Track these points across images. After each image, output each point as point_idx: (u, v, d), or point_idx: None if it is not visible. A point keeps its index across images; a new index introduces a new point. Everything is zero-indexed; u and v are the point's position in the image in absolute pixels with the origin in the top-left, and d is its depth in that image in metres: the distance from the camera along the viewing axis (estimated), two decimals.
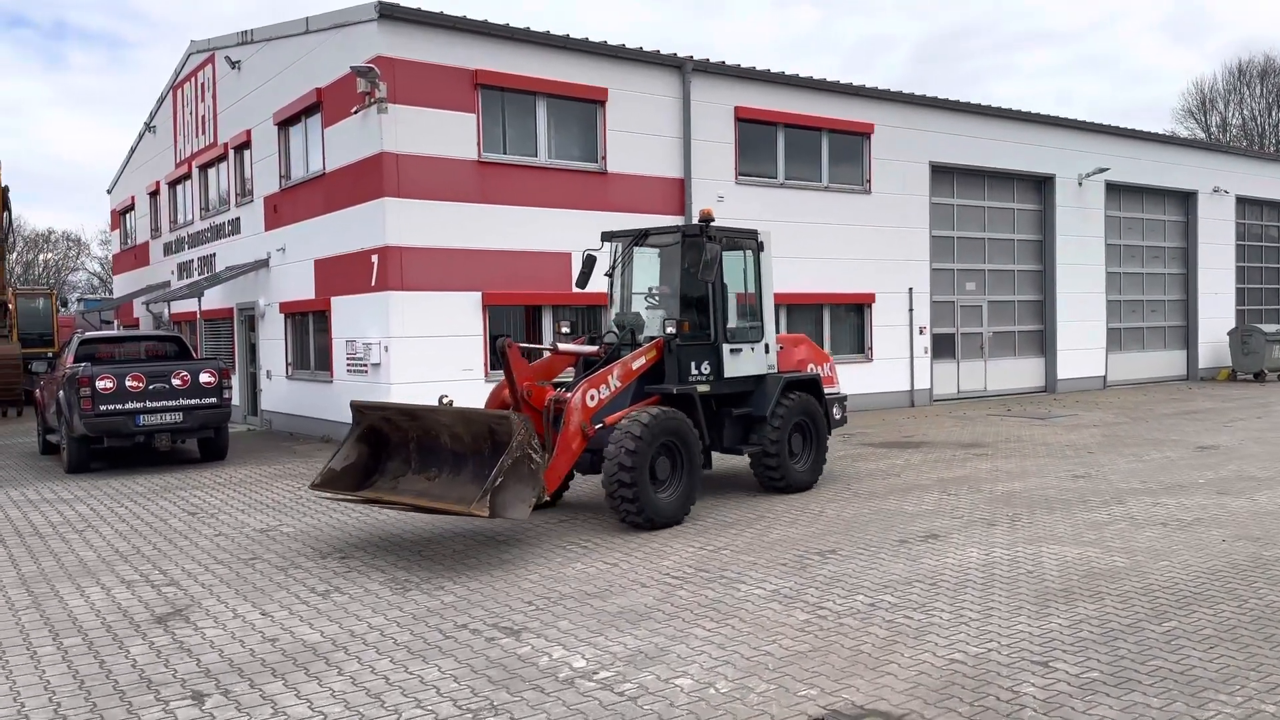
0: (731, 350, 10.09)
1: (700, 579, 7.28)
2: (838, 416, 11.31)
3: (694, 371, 9.76)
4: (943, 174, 21.78)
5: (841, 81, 19.67)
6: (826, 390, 11.14)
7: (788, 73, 18.95)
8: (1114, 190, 25.23)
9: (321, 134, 16.69)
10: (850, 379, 20.17)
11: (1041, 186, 23.80)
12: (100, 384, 12.87)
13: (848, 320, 20.51)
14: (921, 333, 21.38)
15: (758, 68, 18.50)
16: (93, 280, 63.08)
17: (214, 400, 13.61)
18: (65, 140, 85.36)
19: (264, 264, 19.18)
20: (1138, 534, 8.55)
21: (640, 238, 10.40)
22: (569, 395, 8.90)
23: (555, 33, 16.04)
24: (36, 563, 8.15)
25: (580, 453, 8.90)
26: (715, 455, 10.74)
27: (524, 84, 15.84)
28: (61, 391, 13.47)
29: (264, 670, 5.53)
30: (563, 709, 4.90)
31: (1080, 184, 24.02)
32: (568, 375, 10.17)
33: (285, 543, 8.81)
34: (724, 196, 18.14)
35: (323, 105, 16.55)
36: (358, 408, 8.87)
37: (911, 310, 21.11)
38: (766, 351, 10.54)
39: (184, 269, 24.26)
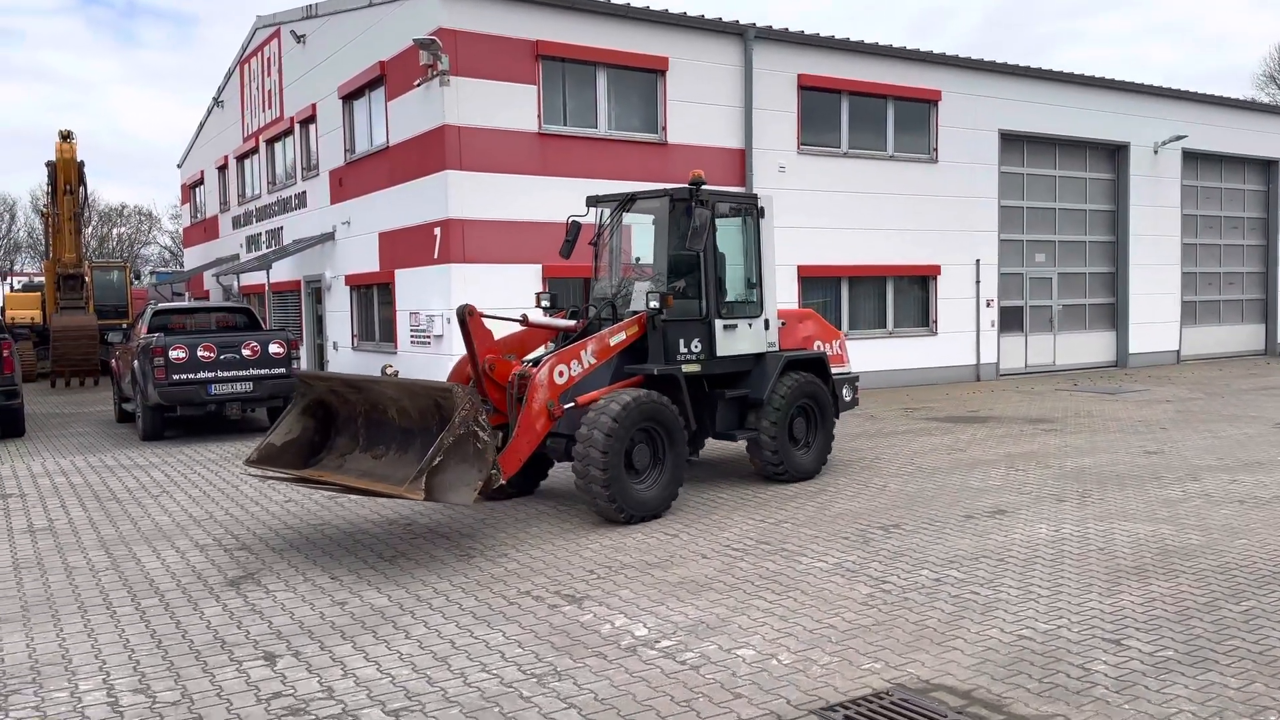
0: (725, 326, 9.29)
1: (761, 551, 7.25)
2: (847, 399, 10.48)
3: (682, 349, 8.99)
4: (1012, 142, 21.24)
5: (908, 47, 19.23)
6: (835, 370, 10.38)
7: (852, 39, 18.58)
8: (1191, 159, 24.38)
9: (385, 107, 16.83)
10: (914, 352, 19.94)
11: (1115, 155, 23.08)
12: (173, 354, 13.20)
13: (912, 293, 20.17)
14: (989, 305, 20.94)
15: (821, 34, 18.17)
16: (164, 253, 64.73)
17: (283, 370, 13.87)
18: (137, 117, 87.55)
19: (329, 237, 19.46)
20: (1213, 511, 8.31)
21: (627, 202, 9.55)
22: (535, 370, 8.12)
23: (616, 1, 15.92)
24: (115, 526, 8.42)
25: (545, 434, 8.02)
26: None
27: (584, 54, 15.77)
28: (136, 361, 13.86)
29: (333, 633, 5.64)
30: (625, 676, 4.92)
31: (1156, 152, 23.25)
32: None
33: (352, 509, 8.97)
34: (785, 166, 17.93)
35: (386, 78, 16.67)
36: (302, 378, 8.24)
37: (978, 283, 20.69)
38: (766, 328, 9.71)
39: (252, 242, 24.75)
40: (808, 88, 18.25)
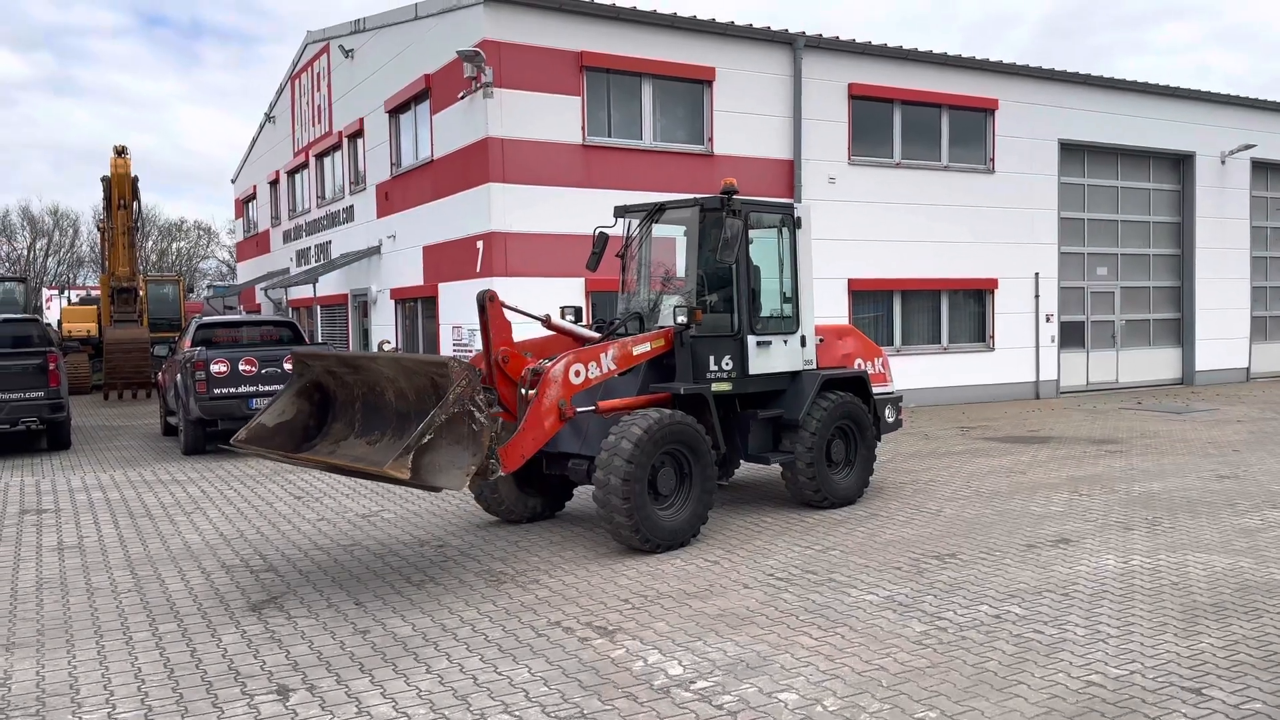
0: (759, 343, 8.80)
1: (807, 581, 6.84)
2: (890, 419, 9.99)
3: (712, 367, 8.51)
4: (1072, 152, 20.56)
5: (963, 56, 18.71)
6: (877, 389, 9.82)
7: (905, 47, 18.10)
8: (1260, 169, 23.44)
9: (430, 121, 16.73)
10: (971, 369, 19.32)
11: (1180, 165, 22.26)
12: (214, 368, 13.15)
13: (968, 307, 19.57)
14: (1048, 320, 20.25)
15: (873, 42, 17.73)
16: (222, 268, 65.82)
17: None
18: (199, 134, 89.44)
19: (375, 251, 19.42)
20: None
21: (656, 212, 9.13)
22: (550, 365, 7.64)
23: (662, 11, 15.66)
24: (144, 544, 8.26)
25: (553, 433, 7.57)
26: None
27: (629, 65, 15.52)
28: (179, 375, 13.83)
29: (352, 665, 5.36)
30: None
31: (1223, 162, 22.38)
32: None
33: (385, 528, 8.73)
34: (835, 178, 17.50)
35: (431, 92, 16.57)
36: (299, 358, 7.68)
37: (1038, 296, 20.02)
38: (803, 345, 9.22)
39: (302, 256, 24.87)
40: (859, 97, 17.81)
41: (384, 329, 19.40)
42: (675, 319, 8.37)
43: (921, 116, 18.60)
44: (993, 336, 19.62)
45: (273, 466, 12.48)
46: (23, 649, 5.71)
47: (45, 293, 41.60)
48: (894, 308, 18.64)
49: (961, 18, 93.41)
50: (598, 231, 9.43)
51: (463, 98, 15.07)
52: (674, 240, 9.72)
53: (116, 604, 6.56)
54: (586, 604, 6.40)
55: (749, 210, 8.86)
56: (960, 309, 19.45)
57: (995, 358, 19.63)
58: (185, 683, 5.13)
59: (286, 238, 26.70)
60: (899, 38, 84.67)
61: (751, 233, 9.30)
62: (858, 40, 17.64)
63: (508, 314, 7.92)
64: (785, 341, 9.10)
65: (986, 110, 19.16)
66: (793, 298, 9.30)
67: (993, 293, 19.53)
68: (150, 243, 62.69)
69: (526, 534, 8.40)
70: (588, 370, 7.79)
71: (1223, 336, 22.83)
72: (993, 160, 19.32)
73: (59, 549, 8.14)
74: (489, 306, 7.71)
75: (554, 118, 14.95)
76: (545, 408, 7.45)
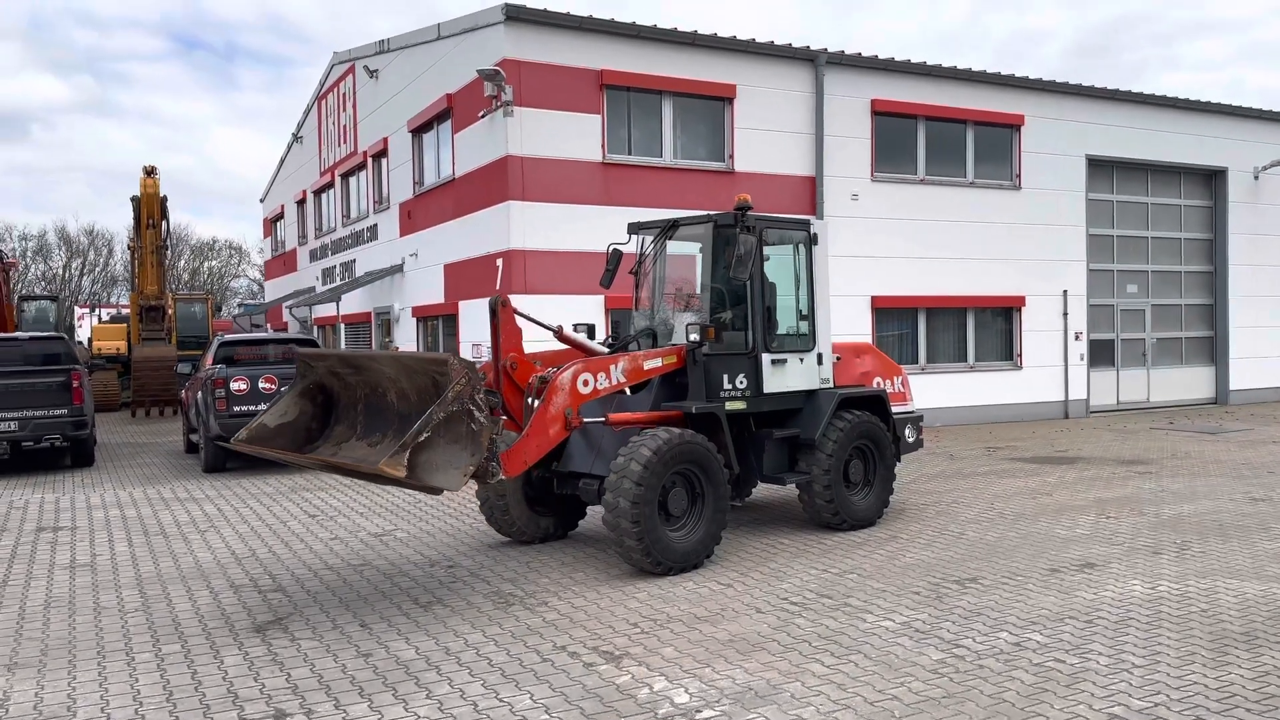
0: (774, 361, 8.64)
1: (822, 606, 6.67)
2: (910, 439, 9.79)
3: (726, 385, 8.34)
4: (1101, 168, 20.28)
5: (988, 71, 18.53)
6: (897, 408, 9.66)
7: (929, 63, 17.95)
8: None
9: (452, 139, 16.77)
10: (997, 387, 19.03)
11: (1212, 180, 21.90)
12: (234, 385, 13.17)
13: (994, 325, 19.29)
14: (1077, 339, 19.93)
15: (896, 58, 17.60)
16: (253, 286, 66.51)
17: None
18: (232, 155, 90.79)
19: (398, 269, 19.46)
20: None
21: (669, 228, 9.03)
22: (558, 373, 7.52)
23: (682, 29, 15.62)
24: (155, 563, 8.22)
25: (558, 441, 7.48)
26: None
27: (650, 83, 15.48)
28: (200, 392, 13.88)
29: (352, 689, 5.26)
30: None
31: (1256, 177, 21.99)
32: None
33: (397, 548, 8.65)
34: (858, 194, 17.35)
35: (453, 111, 16.61)
36: (302, 358, 7.51)
37: (1066, 314, 19.71)
38: (819, 363, 9.06)
39: (327, 274, 25.01)
40: (882, 113, 17.67)
41: (406, 346, 19.42)
42: (687, 336, 8.25)
43: (946, 132, 18.42)
44: (1020, 355, 19.33)
45: (290, 484, 12.46)
46: (24, 669, 5.66)
47: (77, 311, 42.21)
48: (919, 325, 18.41)
49: (993, 35, 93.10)
50: (611, 248, 9.35)
51: (483, 116, 15.09)
52: (694, 257, 9.62)
53: (122, 624, 6.50)
54: (594, 627, 6.27)
55: (763, 226, 8.73)
56: (986, 327, 19.19)
57: (1023, 376, 19.33)
58: (183, 706, 5.05)
59: (313, 256, 26.88)
60: (930, 55, 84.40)
61: (768, 249, 9.20)
62: (880, 56, 17.52)
63: (520, 322, 7.85)
64: (801, 359, 8.95)
65: (1012, 126, 18.95)
66: (809, 315, 9.14)
67: (1020, 310, 19.25)
68: (183, 262, 63.58)
69: (538, 555, 8.29)
70: (596, 381, 7.68)
71: (1258, 355, 22.37)
72: (1019, 176, 19.08)
73: (71, 567, 8.12)
74: (500, 312, 7.64)
75: (574, 136, 14.94)
76: (551, 415, 7.35)
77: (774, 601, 6.80)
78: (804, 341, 9.09)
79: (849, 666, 5.50)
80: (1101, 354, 20.67)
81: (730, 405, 8.44)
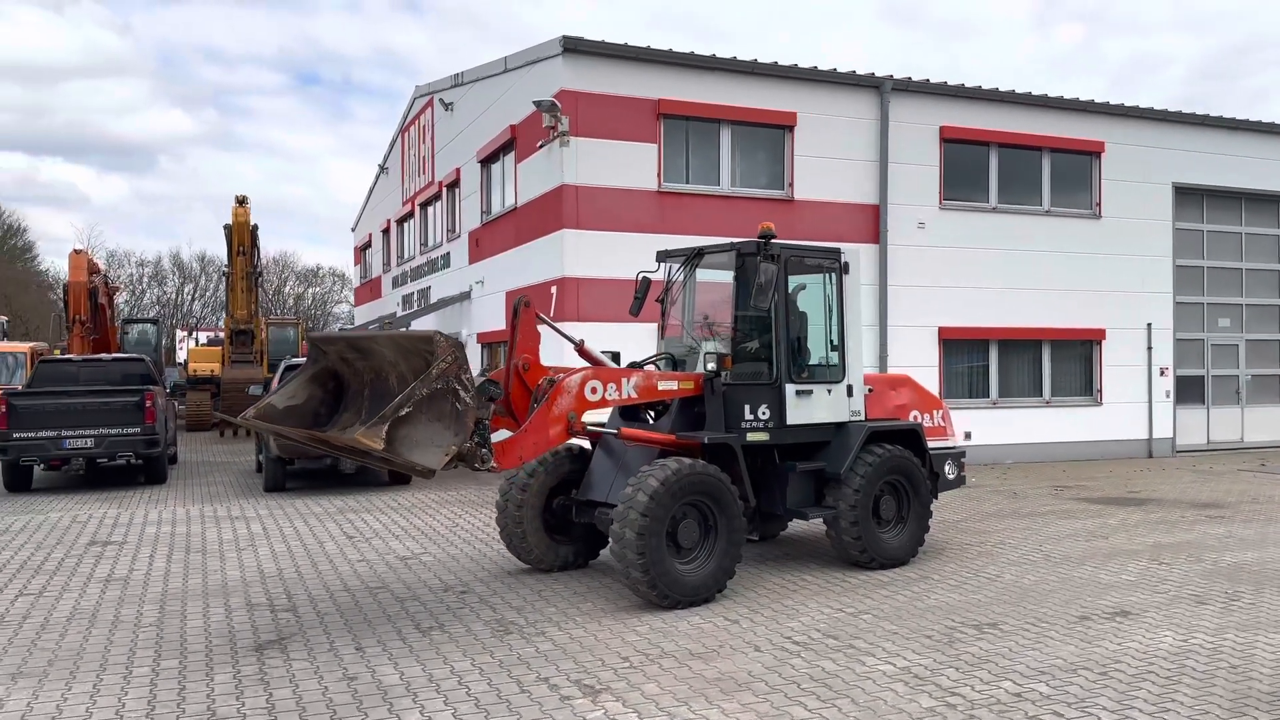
0: (798, 392, 8.42)
1: (824, 646, 6.45)
2: (951, 475, 9.40)
3: (748, 416, 8.19)
4: (1189, 196, 19.40)
5: (1065, 96, 17.95)
6: (935, 443, 9.36)
7: (1001, 89, 17.50)
8: None
9: (515, 169, 17.04)
10: (1075, 424, 18.29)
11: None
12: None
13: (1072, 359, 18.56)
14: (1163, 374, 19.04)
15: (966, 85, 17.22)
16: (353, 312, 68.69)
17: None
18: (344, 186, 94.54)
19: (466, 296, 19.80)
20: None
21: (695, 256, 8.94)
22: (566, 376, 7.47)
23: (742, 58, 15.59)
24: (185, 579, 8.46)
25: (556, 444, 7.40)
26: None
27: (708, 111, 15.47)
28: None
29: (325, 713, 5.28)
30: None
31: None
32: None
33: (418, 571, 8.71)
34: (925, 223, 16.97)
35: (516, 141, 16.88)
36: (314, 342, 7.37)
37: (1150, 349, 18.85)
38: (849, 395, 8.80)
39: (407, 301, 25.61)
40: (951, 140, 17.27)
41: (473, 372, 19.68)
42: (705, 365, 8.14)
43: (1020, 160, 17.90)
44: (1100, 390, 18.54)
45: (339, 505, 12.69)
46: (27, 679, 5.86)
47: (179, 334, 44.20)
48: (990, 358, 17.84)
49: (1109, 60, 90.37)
50: (640, 276, 9.31)
51: (541, 147, 15.29)
52: (729, 285, 9.52)
53: (132, 638, 6.69)
54: (584, 660, 6.18)
55: (788, 255, 8.57)
56: (1064, 360, 18.47)
57: (1103, 413, 18.52)
58: None
59: (395, 283, 27.57)
60: (1040, 84, 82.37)
61: (805, 278, 9.05)
62: (950, 83, 17.15)
63: (542, 329, 7.84)
64: (829, 391, 8.73)
65: (1091, 153, 18.30)
66: (840, 345, 8.93)
67: (1100, 343, 18.49)
68: (288, 287, 66.17)
69: (553, 583, 8.24)
70: (605, 390, 7.61)
71: None
72: (1099, 205, 18.40)
73: (106, 581, 8.41)
74: (522, 312, 7.65)
75: (630, 165, 15.00)
76: (553, 415, 7.28)
77: (776, 640, 6.60)
78: (833, 372, 8.88)
79: (832, 711, 5.28)
80: (1190, 391, 19.67)
81: (752, 437, 8.27)
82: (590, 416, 7.83)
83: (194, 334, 42.16)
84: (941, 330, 17.18)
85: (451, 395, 6.30)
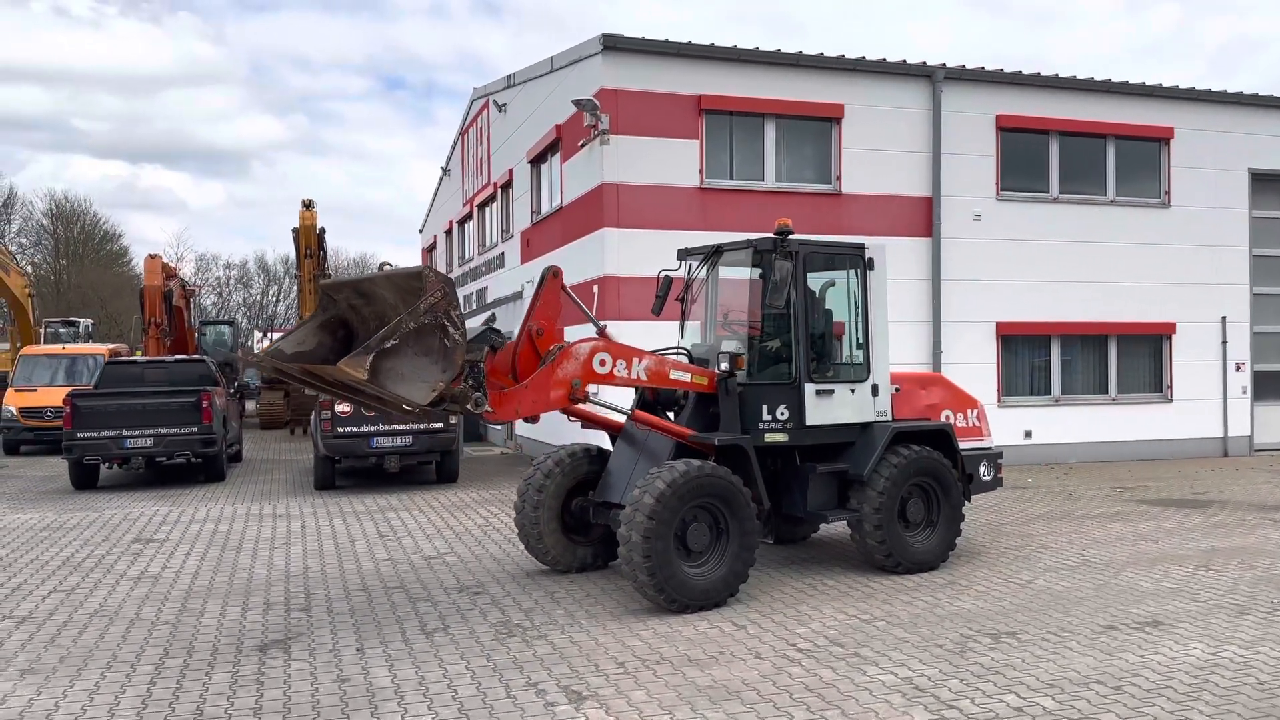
0: (819, 392, 8.20)
1: (827, 655, 6.26)
2: (986, 477, 9.11)
3: (766, 416, 8.01)
4: (1267, 183, 18.46)
5: (1129, 82, 17.24)
6: (969, 444, 9.06)
7: (1060, 75, 16.88)
8: None
9: (560, 169, 17.05)
10: (1144, 422, 17.58)
11: None
12: (339, 407, 13.75)
13: (1140, 354, 17.82)
14: (1239, 369, 18.16)
15: (1024, 72, 16.67)
16: None
17: (441, 426, 14.12)
18: (428, 189, 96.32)
19: (517, 296, 19.89)
20: None
21: (714, 254, 8.80)
22: (576, 342, 7.41)
23: (786, 50, 15.33)
24: (213, 578, 8.63)
25: (555, 408, 7.34)
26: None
27: (751, 105, 15.25)
28: (314, 414, 14.59)
29: (310, 715, 5.31)
30: None
31: None
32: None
33: (439, 571, 8.75)
34: (981, 214, 16.48)
35: (561, 141, 16.89)
36: (325, 290, 7.26)
37: (1225, 343, 18.00)
38: (875, 394, 8.55)
39: (466, 302, 25.86)
40: (1009, 129, 16.73)
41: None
42: (718, 365, 7.98)
43: (1082, 148, 17.25)
44: (1170, 387, 17.77)
45: (381, 504, 12.84)
46: (35, 675, 6.02)
47: (255, 335, 45.48)
48: (1052, 354, 17.24)
49: (1206, 44, 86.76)
50: (662, 275, 9.22)
51: (582, 146, 15.27)
52: (749, 282, 9.35)
53: (145, 636, 6.84)
54: (580, 664, 6.11)
55: (807, 251, 8.38)
56: (1131, 356, 17.75)
57: (1173, 410, 17.75)
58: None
59: (456, 284, 27.88)
60: (1133, 70, 79.44)
61: (833, 274, 8.86)
62: (1006, 70, 16.62)
63: (565, 300, 7.83)
64: (852, 390, 8.49)
65: (1160, 140, 17.54)
66: (864, 344, 8.69)
67: (1170, 338, 17.72)
68: None
69: (569, 585, 8.18)
70: (614, 365, 7.57)
71: None
72: (1168, 193, 17.63)
73: (138, 578, 8.63)
74: (549, 281, 7.73)
75: (671, 162, 14.87)
76: (557, 377, 7.25)
77: (779, 647, 6.43)
78: (858, 371, 8.65)
79: None
80: (1269, 387, 18.72)
81: (770, 438, 8.11)
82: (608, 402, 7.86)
83: (269, 334, 43.35)
84: (1000, 326, 16.67)
85: (440, 330, 6.18)
